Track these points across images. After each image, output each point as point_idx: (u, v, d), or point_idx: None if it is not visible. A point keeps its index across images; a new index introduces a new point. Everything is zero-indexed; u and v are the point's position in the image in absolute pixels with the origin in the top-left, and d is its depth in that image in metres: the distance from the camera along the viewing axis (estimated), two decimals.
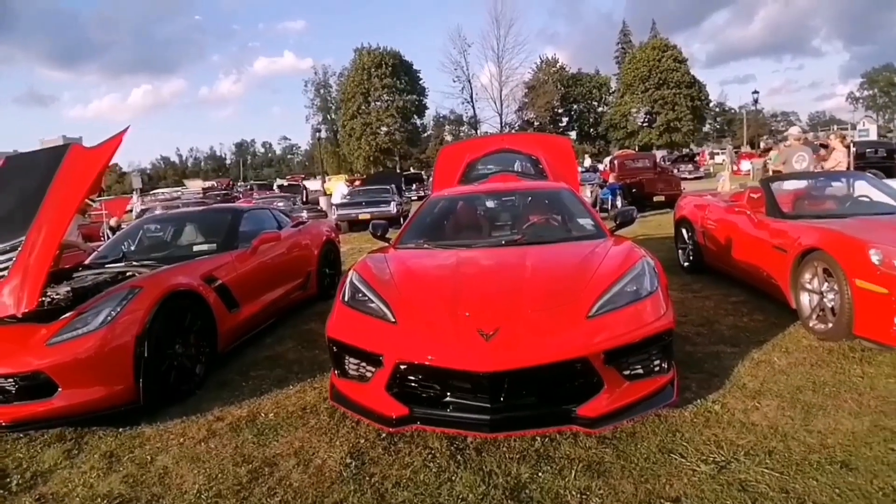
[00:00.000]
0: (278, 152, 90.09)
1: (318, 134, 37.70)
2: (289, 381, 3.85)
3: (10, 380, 3.20)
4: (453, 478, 2.48)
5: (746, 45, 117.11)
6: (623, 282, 3.03)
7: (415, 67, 55.63)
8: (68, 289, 3.73)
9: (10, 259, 3.42)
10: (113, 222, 14.01)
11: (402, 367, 2.77)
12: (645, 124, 54.92)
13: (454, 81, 57.25)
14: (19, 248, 3.43)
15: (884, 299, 3.45)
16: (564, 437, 2.72)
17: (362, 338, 2.97)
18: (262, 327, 5.00)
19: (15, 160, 4.21)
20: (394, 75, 53.02)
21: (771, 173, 8.54)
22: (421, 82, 56.10)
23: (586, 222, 4.26)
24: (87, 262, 4.89)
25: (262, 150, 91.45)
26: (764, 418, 2.84)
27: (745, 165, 24.82)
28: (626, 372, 2.78)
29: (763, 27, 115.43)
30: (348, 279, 3.41)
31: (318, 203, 19.91)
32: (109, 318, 3.35)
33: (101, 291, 3.64)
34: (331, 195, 21.49)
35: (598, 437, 2.70)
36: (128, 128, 4.00)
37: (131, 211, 13.58)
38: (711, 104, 61.15)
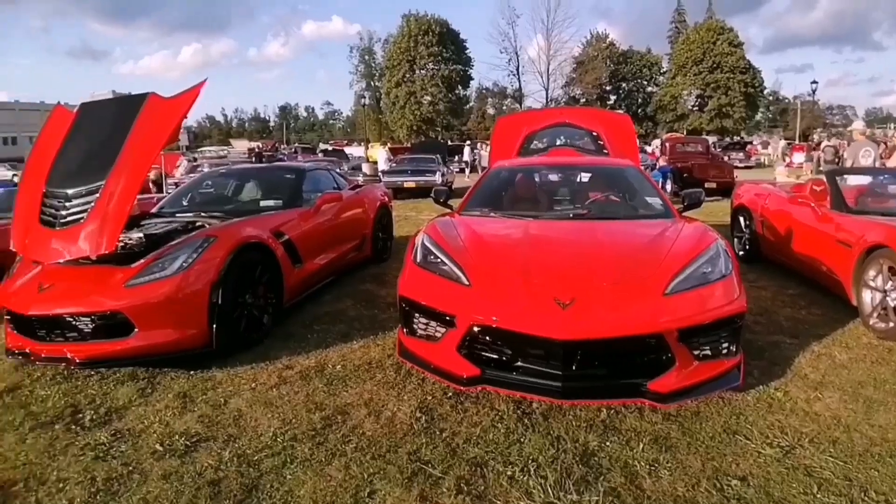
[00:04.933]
0: (321, 117, 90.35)
1: (362, 100, 37.59)
2: (352, 337, 3.98)
3: (86, 319, 3.35)
4: (522, 439, 2.55)
5: (806, 33, 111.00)
6: (698, 262, 3.01)
7: (461, 37, 54.64)
8: (140, 235, 3.87)
9: (87, 203, 3.54)
10: (153, 175, 14.24)
11: (476, 329, 2.83)
12: (695, 108, 52.88)
13: (501, 53, 56.32)
14: (97, 194, 3.54)
15: None
16: (629, 411, 2.76)
17: (435, 298, 3.04)
18: (321, 285, 5.14)
19: (90, 108, 4.28)
20: (440, 44, 52.05)
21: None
22: (467, 52, 54.89)
23: (654, 201, 4.20)
24: (153, 210, 5.08)
25: (305, 114, 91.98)
26: (826, 409, 2.83)
27: (798, 158, 23.71)
28: (697, 352, 2.79)
29: (824, 16, 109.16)
30: (419, 241, 3.47)
31: (360, 169, 20.05)
32: (186, 264, 3.48)
33: (174, 239, 3.76)
34: (375, 162, 21.60)
35: (663, 414, 2.73)
36: (205, 80, 4.05)
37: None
38: (765, 92, 58.15)
